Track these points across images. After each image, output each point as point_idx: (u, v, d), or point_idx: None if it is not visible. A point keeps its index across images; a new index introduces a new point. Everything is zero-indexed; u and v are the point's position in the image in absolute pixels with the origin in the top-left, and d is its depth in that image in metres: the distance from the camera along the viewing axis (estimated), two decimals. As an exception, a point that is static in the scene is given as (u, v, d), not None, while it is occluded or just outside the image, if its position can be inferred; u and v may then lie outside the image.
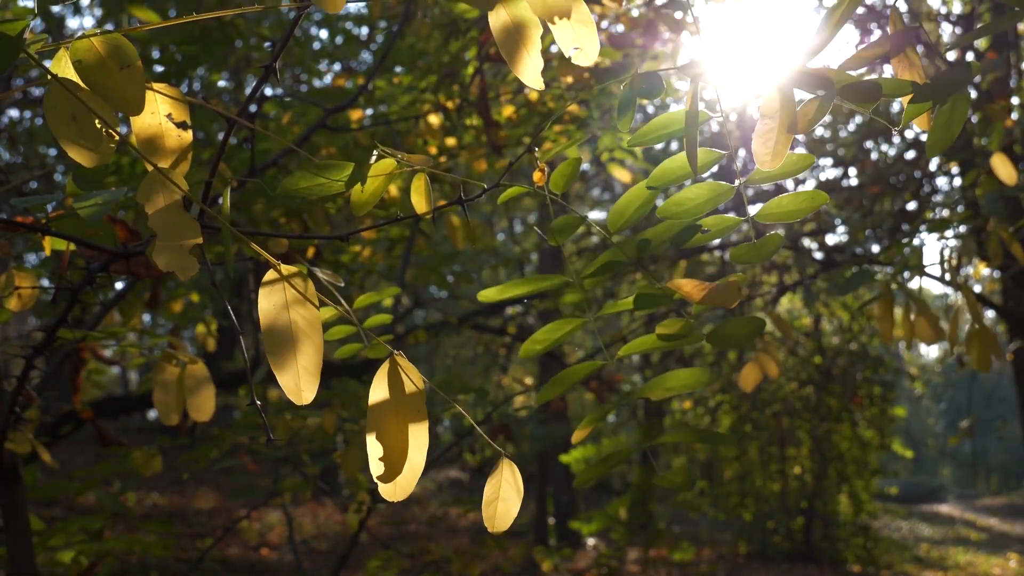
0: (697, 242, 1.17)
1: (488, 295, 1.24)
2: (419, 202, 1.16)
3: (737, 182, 1.15)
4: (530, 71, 0.98)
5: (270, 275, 0.92)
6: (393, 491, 0.94)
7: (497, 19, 0.97)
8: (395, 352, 0.95)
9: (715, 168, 1.15)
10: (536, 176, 1.14)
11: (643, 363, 14.34)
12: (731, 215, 1.18)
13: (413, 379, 0.95)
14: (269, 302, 0.91)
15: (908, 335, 2.49)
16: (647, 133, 1.13)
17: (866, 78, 0.98)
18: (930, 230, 3.06)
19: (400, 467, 0.93)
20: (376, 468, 0.93)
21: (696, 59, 1.05)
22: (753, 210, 1.18)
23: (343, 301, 1.03)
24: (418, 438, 0.94)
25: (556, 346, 1.25)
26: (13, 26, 0.84)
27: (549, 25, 0.98)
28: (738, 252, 1.17)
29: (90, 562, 2.82)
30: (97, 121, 0.93)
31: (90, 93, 0.92)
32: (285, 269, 0.92)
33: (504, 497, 1.02)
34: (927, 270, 2.63)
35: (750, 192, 1.19)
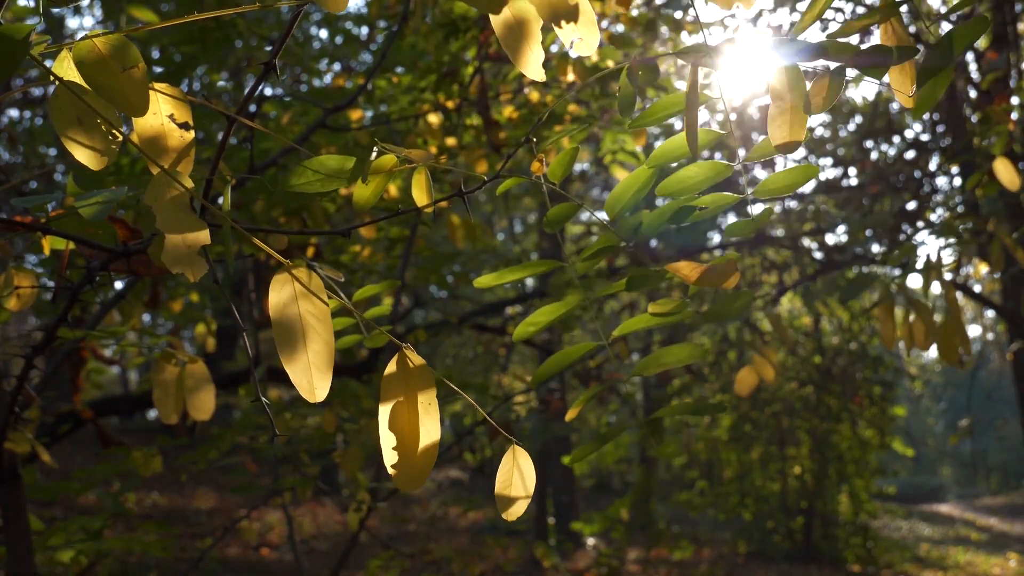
0: (696, 218, 1.19)
1: (485, 280, 1.26)
2: (420, 196, 1.16)
3: (736, 163, 1.16)
4: (532, 64, 0.98)
5: (279, 272, 0.93)
6: (407, 481, 0.94)
7: (500, 17, 0.97)
8: (404, 345, 0.96)
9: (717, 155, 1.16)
10: (534, 166, 1.15)
11: (643, 363, 14.33)
12: (731, 216, 1.20)
13: (422, 369, 0.96)
14: (279, 300, 0.91)
15: (907, 341, 2.49)
16: (649, 115, 1.14)
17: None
18: (938, 235, 3.06)
19: (413, 455, 0.94)
20: (390, 457, 0.93)
21: (696, 42, 1.06)
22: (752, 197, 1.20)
23: (342, 294, 1.04)
24: (429, 427, 0.95)
25: (556, 343, 1.26)
26: (18, 29, 0.84)
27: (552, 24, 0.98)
28: (734, 226, 1.20)
29: (89, 562, 2.82)
30: (101, 123, 0.94)
31: (93, 94, 0.92)
32: (291, 263, 0.93)
33: (517, 484, 1.03)
34: (919, 268, 2.63)
35: (750, 191, 1.20)
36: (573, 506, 10.58)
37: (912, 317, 2.45)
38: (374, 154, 1.09)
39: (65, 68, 0.94)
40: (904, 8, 1.09)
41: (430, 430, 0.95)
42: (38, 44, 0.95)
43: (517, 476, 1.02)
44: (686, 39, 3.88)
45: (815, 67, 1.04)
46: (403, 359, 0.96)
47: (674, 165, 1.18)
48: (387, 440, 0.93)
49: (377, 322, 1.23)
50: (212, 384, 1.86)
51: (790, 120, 1.04)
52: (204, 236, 0.89)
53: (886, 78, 1.05)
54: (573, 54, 1.03)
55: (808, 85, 1.04)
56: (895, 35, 1.06)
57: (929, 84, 1.07)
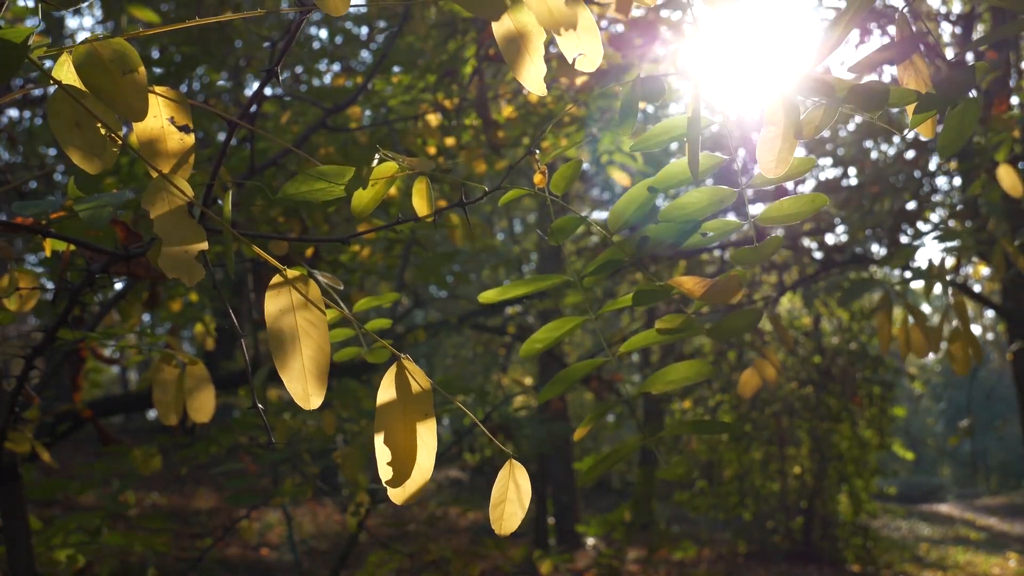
0: (697, 244, 1.17)
1: (489, 296, 1.23)
2: (420, 205, 1.16)
3: (739, 188, 1.15)
4: (533, 77, 0.98)
5: (276, 280, 0.91)
6: (402, 494, 0.93)
7: (501, 27, 0.97)
8: (402, 355, 0.94)
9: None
10: (537, 178, 1.14)
11: (643, 363, 14.34)
12: (732, 216, 1.19)
13: (420, 382, 0.95)
14: (275, 307, 0.90)
15: (903, 347, 2.48)
16: (649, 138, 1.13)
17: (870, 82, 0.98)
18: (940, 239, 3.05)
19: (409, 471, 0.92)
20: (385, 472, 0.92)
21: (697, 63, 1.05)
22: (753, 211, 1.18)
23: (343, 304, 1.03)
24: (426, 441, 0.94)
25: (556, 345, 1.25)
26: (17, 32, 0.84)
27: (553, 34, 0.97)
28: (739, 254, 1.18)
29: (87, 560, 2.82)
30: (100, 126, 0.93)
31: (92, 98, 0.92)
32: (290, 273, 0.92)
33: (511, 499, 1.01)
34: (921, 271, 2.62)
35: (750, 192, 1.19)
36: (573, 506, 10.58)
37: (911, 322, 2.44)
38: (375, 161, 1.09)
39: (64, 71, 0.94)
40: (904, 9, 1.08)
41: (426, 443, 0.94)
42: (38, 47, 0.94)
43: (513, 490, 1.01)
44: (687, 42, 3.87)
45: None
46: (400, 370, 0.94)
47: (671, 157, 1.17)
48: (382, 454, 0.92)
49: (377, 333, 1.22)
50: (212, 385, 1.86)
51: (780, 146, 1.03)
52: (201, 242, 0.88)
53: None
54: (578, 67, 1.01)
55: (802, 113, 1.02)
56: (916, 73, 1.03)
57: (955, 124, 1.03)
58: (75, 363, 2.91)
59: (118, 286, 2.89)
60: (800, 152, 1.12)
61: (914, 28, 1.06)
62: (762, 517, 11.00)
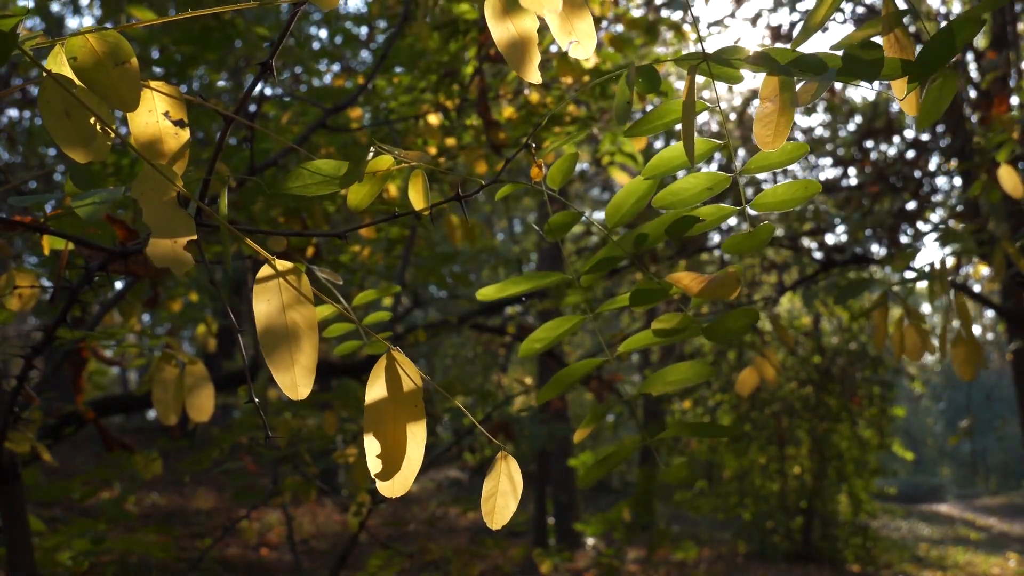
0: (695, 231, 1.17)
1: (487, 293, 1.23)
2: (417, 199, 1.16)
3: (734, 172, 1.15)
4: (530, 70, 0.98)
5: (265, 271, 0.91)
6: (391, 488, 0.93)
7: (494, 13, 0.97)
8: (392, 347, 0.94)
9: (714, 166, 1.15)
10: (534, 172, 1.14)
11: (643, 364, 14.34)
12: (728, 205, 1.19)
13: (410, 374, 0.94)
14: (264, 297, 0.90)
15: (897, 346, 2.48)
16: (645, 123, 1.13)
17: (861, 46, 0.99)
18: (942, 243, 3.04)
19: (399, 464, 0.92)
20: (374, 465, 0.92)
21: (694, 51, 1.05)
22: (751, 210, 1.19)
23: (341, 299, 1.03)
24: (416, 434, 0.93)
25: (555, 345, 1.25)
26: (6, 22, 0.84)
27: (544, 17, 0.97)
28: (732, 242, 1.17)
29: (90, 563, 2.82)
30: (92, 118, 0.93)
31: (86, 90, 0.92)
32: (280, 264, 0.92)
33: (503, 492, 1.01)
34: (919, 270, 2.61)
35: (750, 192, 1.19)
36: (572, 506, 10.58)
37: (906, 322, 2.44)
38: (370, 155, 1.09)
39: (58, 64, 0.94)
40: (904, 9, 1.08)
41: (416, 436, 0.93)
42: (31, 39, 0.94)
43: (505, 482, 1.01)
44: (685, 41, 3.87)
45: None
46: (390, 362, 0.94)
47: (679, 175, 1.16)
48: (371, 447, 0.91)
49: (376, 327, 1.22)
50: (211, 384, 1.86)
51: (776, 121, 1.04)
52: (191, 234, 0.88)
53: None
54: (572, 55, 1.01)
55: (797, 87, 1.04)
56: (899, 45, 1.05)
57: (933, 96, 1.05)
58: (77, 364, 2.91)
59: (118, 285, 2.89)
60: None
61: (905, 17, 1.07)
62: (762, 517, 11.00)
